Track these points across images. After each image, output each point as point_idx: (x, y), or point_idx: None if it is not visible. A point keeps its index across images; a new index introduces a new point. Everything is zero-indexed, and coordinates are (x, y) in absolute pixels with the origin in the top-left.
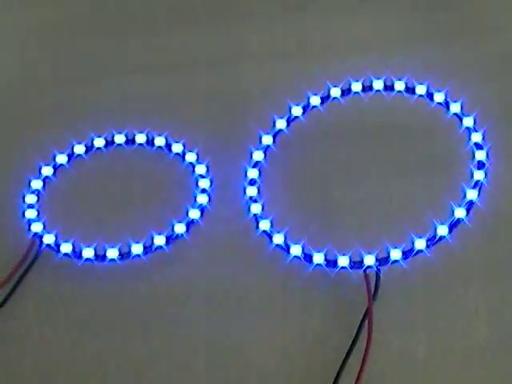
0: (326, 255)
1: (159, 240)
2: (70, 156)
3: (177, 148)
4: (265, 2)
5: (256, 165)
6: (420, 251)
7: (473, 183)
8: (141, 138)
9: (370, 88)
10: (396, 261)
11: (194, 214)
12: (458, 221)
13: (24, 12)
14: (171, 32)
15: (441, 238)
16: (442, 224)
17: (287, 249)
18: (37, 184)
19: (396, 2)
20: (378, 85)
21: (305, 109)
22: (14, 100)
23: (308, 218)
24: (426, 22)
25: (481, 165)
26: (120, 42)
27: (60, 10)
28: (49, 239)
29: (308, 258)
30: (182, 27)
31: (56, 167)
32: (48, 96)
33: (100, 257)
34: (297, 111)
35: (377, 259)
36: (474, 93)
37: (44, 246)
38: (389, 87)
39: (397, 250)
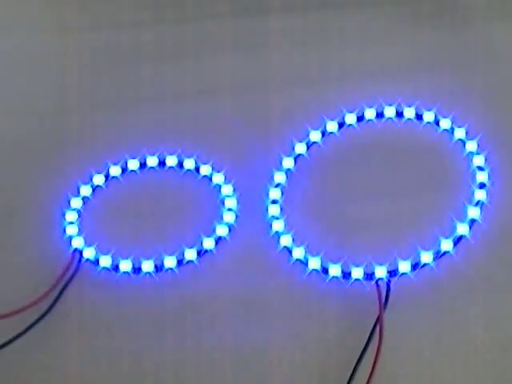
0: (341, 268)
1: (190, 254)
2: (107, 177)
3: (205, 170)
4: (286, 34)
5: (278, 186)
6: (426, 264)
7: (475, 202)
8: (172, 161)
9: (382, 115)
10: (405, 273)
11: (222, 230)
12: (461, 237)
13: (63, 37)
14: (199, 60)
15: (445, 252)
16: (447, 239)
17: (306, 262)
18: (76, 203)
19: (407, 33)
20: (390, 112)
21: (322, 134)
22: (54, 123)
23: (325, 234)
24: (435, 51)
25: (482, 185)
26: (153, 71)
27: (98, 37)
28: (88, 253)
29: (325, 270)
30: (209, 56)
31: (94, 187)
32: (86, 121)
33: (136, 269)
34: (315, 136)
35: (387, 271)
36: (478, 118)
37: (84, 259)
38: (399, 114)
39: (405, 262)
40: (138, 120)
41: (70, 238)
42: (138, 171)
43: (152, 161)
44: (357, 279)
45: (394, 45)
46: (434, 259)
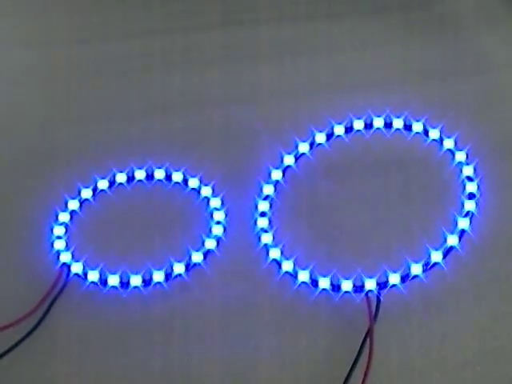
0: (330, 280)
1: (178, 268)
2: (94, 190)
3: (193, 183)
4: (274, 45)
5: (266, 198)
6: (416, 276)
7: (464, 213)
8: (160, 174)
9: (371, 126)
10: (394, 285)
11: (210, 243)
12: (451, 248)
13: (49, 51)
14: (186, 72)
15: (435, 263)
16: (436, 251)
17: (295, 275)
18: (64, 217)
19: (396, 43)
20: (378, 123)
21: (311, 145)
22: (42, 137)
23: (314, 246)
24: (424, 61)
25: (472, 196)
26: (141, 83)
27: (85, 50)
28: (76, 268)
29: (314, 283)
30: (197, 68)
31: (81, 201)
32: (74, 134)
33: (124, 284)
34: (303, 148)
35: (377, 283)
36: (467, 129)
37: (72, 274)
38: (388, 125)
39: (395, 274)
40: (126, 133)
41: (58, 252)
42: (125, 184)
43: (140, 174)
44: (346, 292)
45: (383, 55)
46: (424, 271)
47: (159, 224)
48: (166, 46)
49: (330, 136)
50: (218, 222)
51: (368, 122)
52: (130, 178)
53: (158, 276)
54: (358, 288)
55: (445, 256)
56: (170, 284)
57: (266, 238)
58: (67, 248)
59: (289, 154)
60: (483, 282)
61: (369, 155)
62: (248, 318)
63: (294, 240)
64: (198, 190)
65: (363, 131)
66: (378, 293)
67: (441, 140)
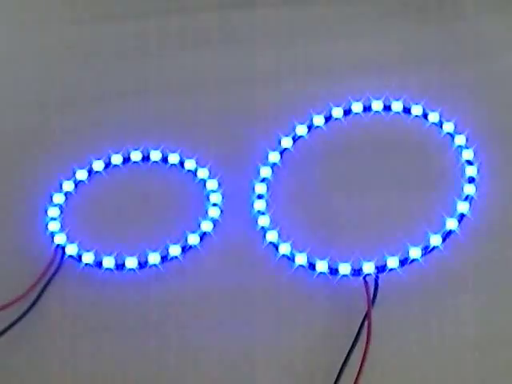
0: (328, 263)
1: (174, 250)
2: (90, 172)
3: (189, 165)
4: (273, 27)
5: (263, 180)
6: (415, 260)
7: (464, 197)
8: (156, 156)
9: (370, 108)
10: (393, 269)
11: (206, 226)
12: (450, 232)
13: (44, 32)
14: (183, 54)
15: (434, 247)
16: (435, 234)
17: (292, 258)
18: (59, 198)
19: (395, 27)
20: (377, 105)
21: (309, 128)
22: (36, 119)
23: (312, 229)
24: (423, 44)
25: (471, 180)
26: (136, 64)
27: (81, 32)
28: (71, 250)
29: (312, 266)
30: (194, 50)
31: (76, 182)
32: (69, 115)
33: (119, 266)
34: (301, 130)
35: (375, 267)
36: (467, 112)
37: (66, 256)
38: (387, 107)
39: (394, 258)
40: (122, 114)
41: (53, 234)
42: (121, 166)
43: (136, 155)
44: (344, 275)
45: (382, 38)
46: (423, 254)
47: (155, 206)
48: (162, 27)
49: (328, 119)
50: (215, 204)
51: (367, 104)
52: (126, 160)
53: (154, 258)
54: (356, 271)
55: (444, 240)
56: (165, 266)
57: (263, 221)
58: (62, 230)
59: (286, 136)
60: (482, 266)
61: (367, 138)
62: (245, 302)
63: (291, 223)
64: (194, 172)
65: (362, 114)
66: (377, 276)
67: (440, 123)
